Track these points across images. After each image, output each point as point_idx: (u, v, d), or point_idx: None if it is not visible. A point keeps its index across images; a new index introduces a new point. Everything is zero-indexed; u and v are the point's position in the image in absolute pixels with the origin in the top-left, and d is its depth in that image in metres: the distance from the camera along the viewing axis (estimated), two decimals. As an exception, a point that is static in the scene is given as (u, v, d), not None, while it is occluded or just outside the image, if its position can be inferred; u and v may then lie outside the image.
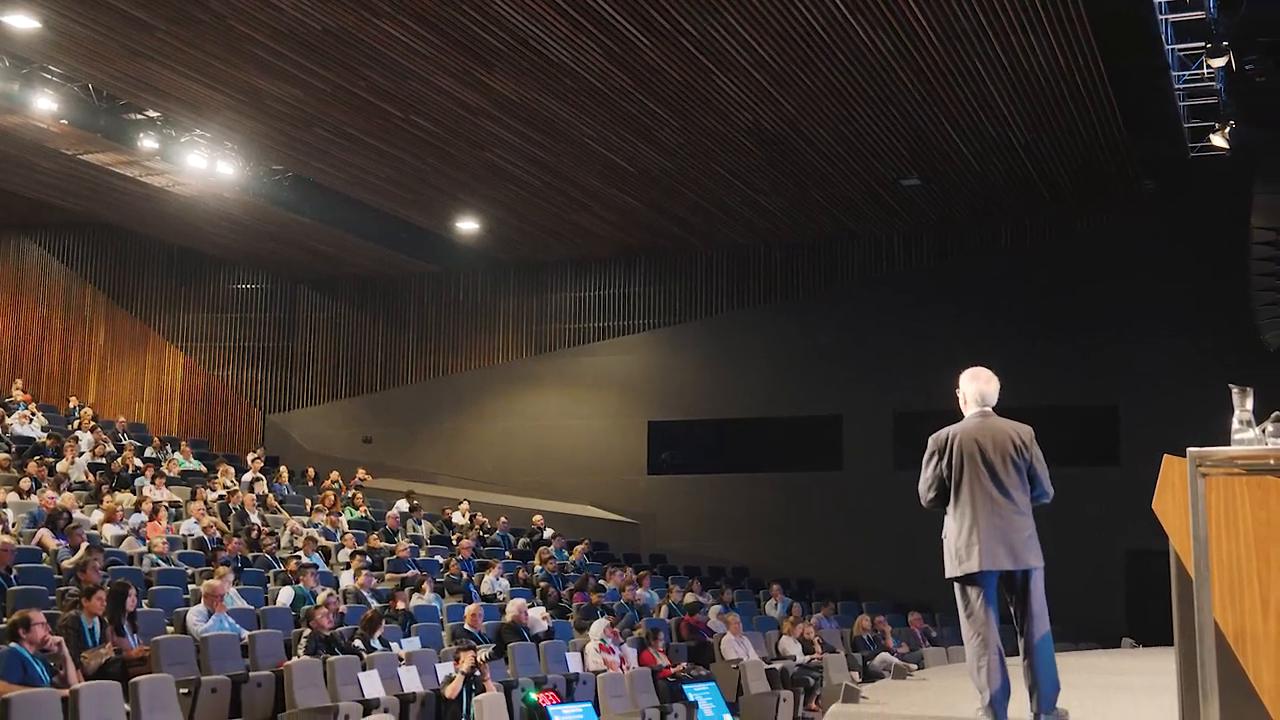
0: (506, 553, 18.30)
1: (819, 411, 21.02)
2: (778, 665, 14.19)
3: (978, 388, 6.02)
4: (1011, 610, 5.84)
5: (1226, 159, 15.44)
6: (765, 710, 12.40)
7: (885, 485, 20.18)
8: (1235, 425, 5.28)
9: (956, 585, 5.85)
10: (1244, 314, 15.73)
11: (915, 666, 14.11)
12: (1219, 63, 12.71)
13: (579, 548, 18.68)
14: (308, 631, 10.45)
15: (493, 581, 15.62)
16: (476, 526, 19.28)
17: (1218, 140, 14.73)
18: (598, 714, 10.17)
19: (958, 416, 6.09)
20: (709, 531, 21.15)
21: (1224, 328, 17.54)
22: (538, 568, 16.99)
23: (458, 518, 19.71)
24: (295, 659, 9.94)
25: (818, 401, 21.01)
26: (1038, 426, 6.15)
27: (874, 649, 15.80)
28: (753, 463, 21.38)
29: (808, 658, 14.77)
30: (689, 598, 16.80)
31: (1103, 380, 19.12)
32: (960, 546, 5.76)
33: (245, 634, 10.54)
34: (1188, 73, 14.47)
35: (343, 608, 12.14)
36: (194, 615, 10.58)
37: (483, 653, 10.01)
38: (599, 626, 12.85)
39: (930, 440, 5.93)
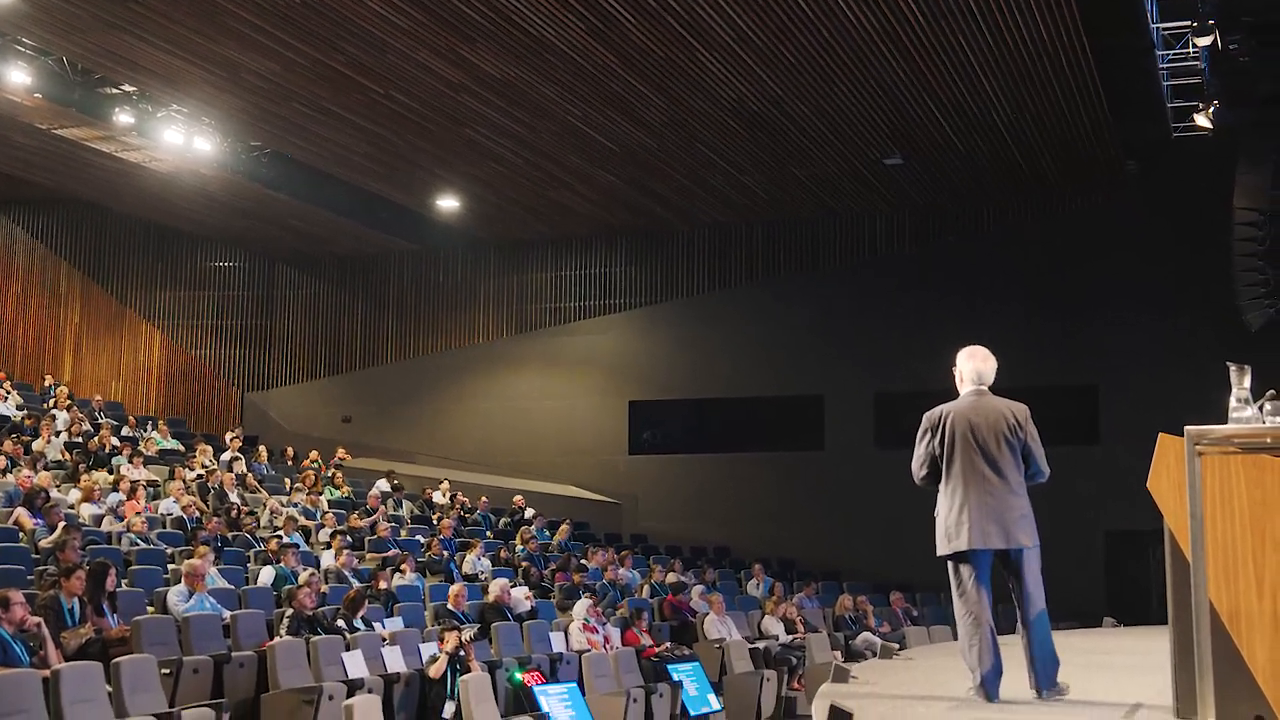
0: (488, 533, 18.23)
1: (800, 391, 21.01)
2: (760, 645, 14.20)
3: (974, 366, 5.99)
4: (1010, 589, 5.83)
5: (1208, 139, 15.44)
6: (749, 690, 12.40)
7: (867, 465, 20.21)
8: (1233, 403, 5.26)
9: (949, 564, 5.82)
10: (1225, 294, 15.77)
11: (898, 646, 14.12)
12: (1205, 41, 12.69)
13: (563, 528, 18.62)
14: (290, 611, 10.36)
15: (474, 561, 15.55)
16: (457, 506, 19.20)
17: (1201, 120, 14.71)
18: (583, 693, 10.13)
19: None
20: (690, 511, 21.13)
21: (1205, 308, 17.60)
22: (519, 548, 16.93)
23: (438, 497, 19.63)
24: (278, 639, 9.86)
25: (799, 381, 20.98)
26: None
27: (856, 628, 15.83)
28: (734, 442, 21.35)
29: (790, 637, 14.78)
30: (671, 577, 16.78)
31: (1083, 360, 19.16)
32: (951, 525, 5.72)
33: (227, 614, 10.46)
34: (1172, 52, 14.45)
35: (324, 588, 12.06)
36: (174, 595, 10.48)
37: (467, 633, 9.95)
38: (582, 606, 12.81)
39: (924, 418, 5.91)
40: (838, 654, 14.44)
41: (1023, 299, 19.50)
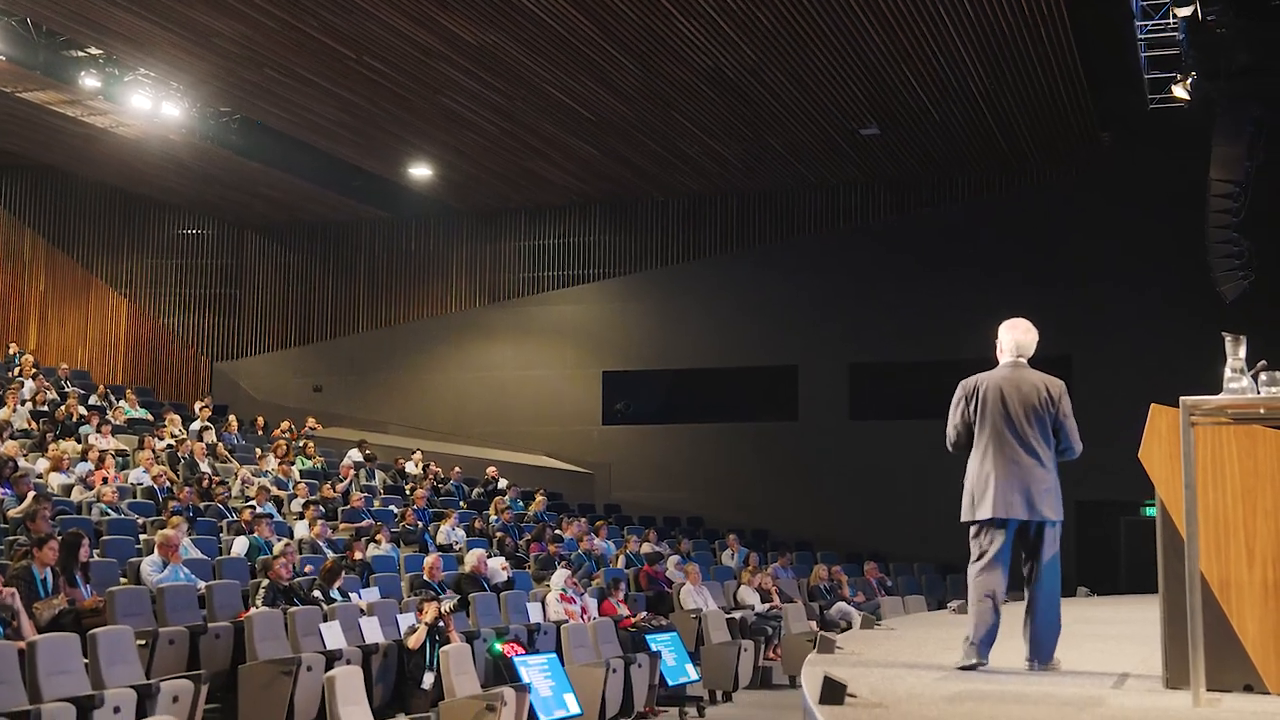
0: (461, 503, 18.14)
1: (774, 362, 20.99)
2: (736, 615, 14.22)
3: (1013, 338, 6.02)
4: (1024, 561, 5.86)
5: (1184, 111, 15.45)
6: (727, 659, 12.41)
7: (840, 436, 20.27)
8: (1228, 374, 5.23)
9: (970, 530, 5.90)
10: (1200, 266, 15.82)
11: (873, 616, 14.17)
12: (1185, 12, 12.67)
13: (539, 498, 18.56)
14: (266, 582, 10.26)
15: (448, 532, 15.48)
16: (430, 477, 19.09)
17: (1179, 91, 14.72)
18: (562, 664, 10.09)
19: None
20: (664, 482, 21.11)
21: (1179, 279, 17.66)
22: (493, 518, 16.86)
23: (410, 468, 19.51)
24: (254, 610, 9.76)
25: (773, 352, 20.97)
26: None
27: (831, 599, 15.89)
28: (708, 413, 21.34)
29: (766, 607, 14.81)
30: (646, 548, 16.77)
31: (1056, 331, 19.12)
32: (976, 493, 5.80)
33: (201, 585, 10.34)
34: (1151, 23, 14.43)
35: (298, 558, 11.95)
36: (148, 566, 10.35)
37: (447, 604, 9.88)
38: (560, 577, 12.76)
39: (959, 386, 5.97)
40: (813, 624, 14.50)
41: (997, 270, 19.50)
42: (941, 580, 18.32)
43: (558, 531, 16.59)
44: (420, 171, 20.63)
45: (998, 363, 6.01)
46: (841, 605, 15.51)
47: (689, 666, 11.94)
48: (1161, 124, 16.25)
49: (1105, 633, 8.45)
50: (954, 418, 5.94)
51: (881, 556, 18.39)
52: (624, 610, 13.11)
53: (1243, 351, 5.25)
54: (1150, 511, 18.18)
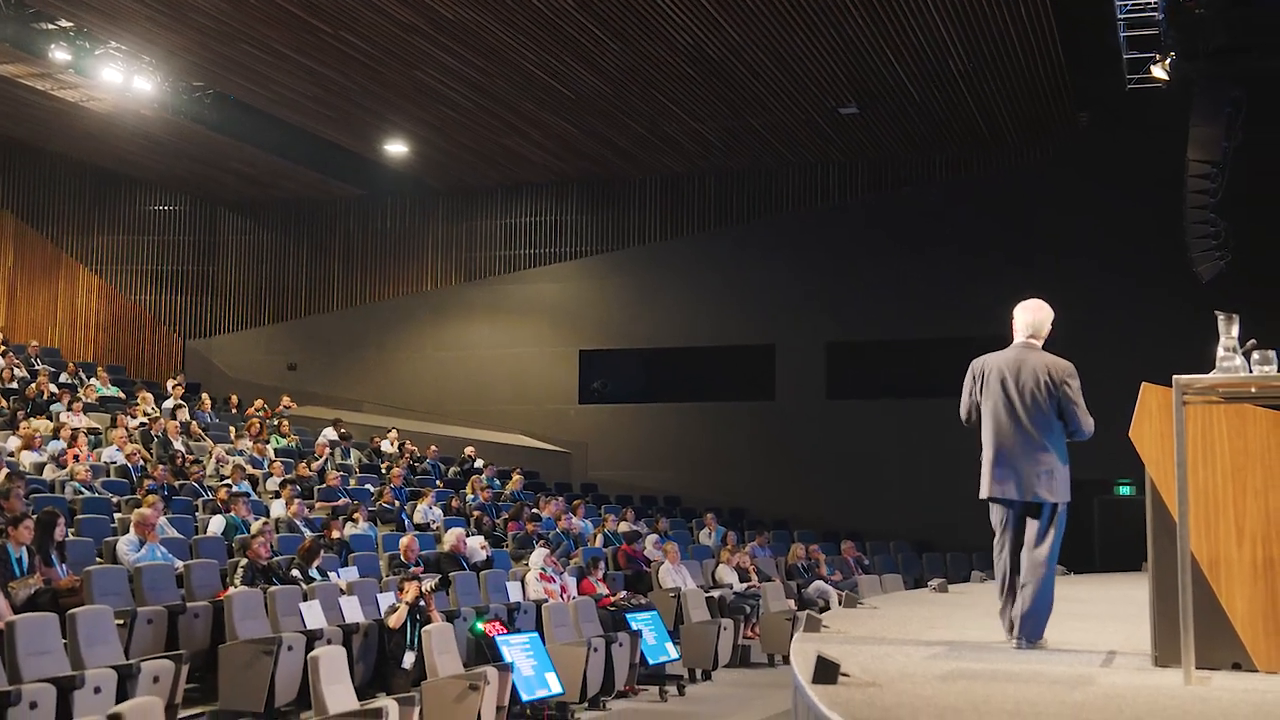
0: (438, 482, 18.07)
1: (751, 341, 20.97)
2: (715, 594, 14.22)
3: (1024, 318, 6.11)
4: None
5: (1162, 91, 15.47)
6: (707, 638, 12.41)
7: (817, 415, 20.29)
8: (1221, 353, 5.23)
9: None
10: (1177, 246, 15.88)
11: (853, 595, 14.20)
12: (1167, -9, 12.66)
13: (516, 478, 18.51)
14: (244, 561, 10.18)
15: (426, 510, 15.40)
16: (406, 455, 19.00)
17: (1158, 72, 14.72)
18: (543, 643, 10.05)
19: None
20: (641, 461, 21.09)
21: (1156, 259, 17.73)
22: (470, 497, 16.80)
23: (386, 446, 19.40)
24: (233, 589, 9.67)
25: (750, 331, 20.95)
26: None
27: (808, 577, 15.91)
28: (685, 392, 21.31)
29: (744, 586, 14.83)
30: (624, 527, 16.75)
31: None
32: (983, 472, 5.93)
33: (179, 564, 10.24)
34: (1130, 3, 14.42)
35: (276, 537, 11.85)
36: (125, 545, 10.25)
37: (428, 583, 9.82)
38: (539, 556, 12.72)
39: (970, 365, 6.08)
40: (791, 603, 14.52)
41: (975, 249, 19.54)
42: (918, 558, 18.41)
43: (535, 510, 16.55)
44: (396, 148, 20.46)
45: (1011, 342, 6.08)
46: (819, 584, 15.54)
47: (669, 645, 11.94)
48: (1140, 104, 16.27)
49: (1086, 611, 8.48)
50: (965, 397, 6.06)
51: (858, 535, 18.45)
52: (603, 589, 13.08)
53: (1235, 330, 5.25)
54: (1124, 490, 18.40)
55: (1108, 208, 18.64)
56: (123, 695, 6.97)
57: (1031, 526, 5.87)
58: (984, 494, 5.89)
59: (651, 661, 11.47)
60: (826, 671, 4.72)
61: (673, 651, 11.98)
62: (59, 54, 16.27)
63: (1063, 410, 5.81)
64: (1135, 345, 16.75)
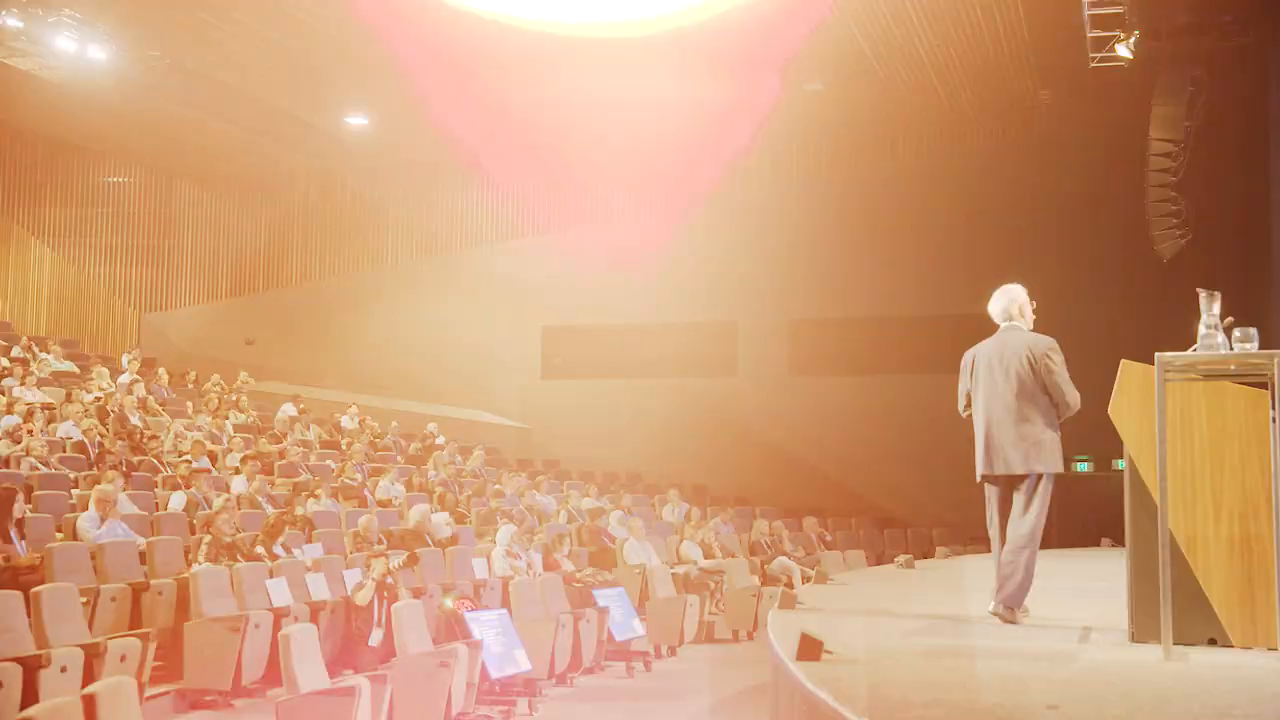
0: (399, 457, 17.94)
1: (714, 318, 20.95)
2: (680, 570, 14.22)
3: (998, 304, 6.39)
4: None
5: (1124, 70, 15.55)
6: (672, 614, 12.41)
7: (780, 392, 20.32)
8: (1202, 330, 5.25)
9: None
10: (1138, 224, 16.01)
11: (815, 571, 14.27)
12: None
13: (477, 453, 18.40)
14: (208, 538, 10.04)
15: (387, 486, 15.27)
16: (367, 431, 18.83)
17: (1122, 50, 14.80)
18: (511, 619, 10.00)
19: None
20: (603, 437, 21.01)
21: (1117, 238, 17.86)
22: (432, 472, 16.68)
23: (346, 422, 19.22)
24: (197, 566, 9.55)
25: (713, 308, 20.92)
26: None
27: (771, 553, 15.95)
28: (647, 368, 21.25)
29: (708, 562, 14.84)
30: (588, 503, 16.70)
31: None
32: (976, 453, 6.16)
33: (141, 540, 10.09)
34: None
35: (239, 513, 11.70)
36: (85, 521, 10.09)
37: (395, 560, 9.74)
38: (506, 532, 12.66)
39: (962, 358, 6.33)
40: (756, 578, 14.57)
41: (937, 227, 19.59)
42: (879, 534, 18.50)
43: (498, 486, 16.47)
44: (356, 120, 20.20)
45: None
46: (782, 560, 15.58)
47: (634, 621, 11.92)
48: (1101, 83, 16.35)
49: (1054, 586, 8.53)
50: (959, 389, 6.31)
51: (820, 511, 18.50)
52: (569, 565, 13.05)
53: (1216, 308, 5.28)
54: (1082, 467, 18.55)
55: (1068, 186, 18.73)
56: (89, 674, 6.86)
57: (1017, 500, 6.04)
58: (977, 474, 6.13)
59: (618, 637, 11.45)
60: (810, 648, 4.70)
61: (639, 628, 11.97)
62: (10, 21, 15.93)
63: (1047, 385, 6.01)
64: (1097, 323, 16.86)
